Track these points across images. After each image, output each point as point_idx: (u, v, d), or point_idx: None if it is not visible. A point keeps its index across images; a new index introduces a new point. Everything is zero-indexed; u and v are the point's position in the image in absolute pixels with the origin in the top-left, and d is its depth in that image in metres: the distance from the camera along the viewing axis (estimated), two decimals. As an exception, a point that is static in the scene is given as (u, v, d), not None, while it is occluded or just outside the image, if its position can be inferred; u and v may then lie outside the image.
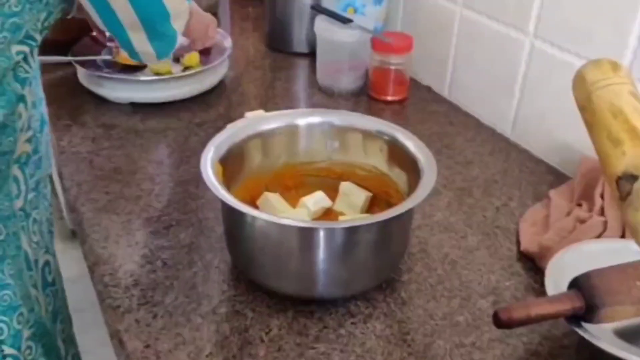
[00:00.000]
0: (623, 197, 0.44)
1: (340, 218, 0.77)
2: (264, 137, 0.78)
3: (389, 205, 0.74)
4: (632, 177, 0.43)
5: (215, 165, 0.70)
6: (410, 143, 0.75)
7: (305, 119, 0.80)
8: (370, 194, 0.80)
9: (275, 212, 0.75)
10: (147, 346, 0.63)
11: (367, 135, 0.79)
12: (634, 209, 0.43)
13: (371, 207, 0.80)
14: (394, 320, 0.68)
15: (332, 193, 0.80)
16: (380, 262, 0.70)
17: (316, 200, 0.79)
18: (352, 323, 0.68)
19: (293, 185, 0.82)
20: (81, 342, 0.92)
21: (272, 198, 0.77)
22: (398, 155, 0.76)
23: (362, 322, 0.68)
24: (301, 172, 0.82)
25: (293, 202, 0.80)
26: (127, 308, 0.68)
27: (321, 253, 0.66)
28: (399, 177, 0.77)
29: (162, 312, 0.67)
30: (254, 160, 0.78)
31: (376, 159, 0.79)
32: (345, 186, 0.80)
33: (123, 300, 0.69)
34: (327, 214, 0.79)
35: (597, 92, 0.48)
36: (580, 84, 0.49)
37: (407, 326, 0.68)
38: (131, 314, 0.67)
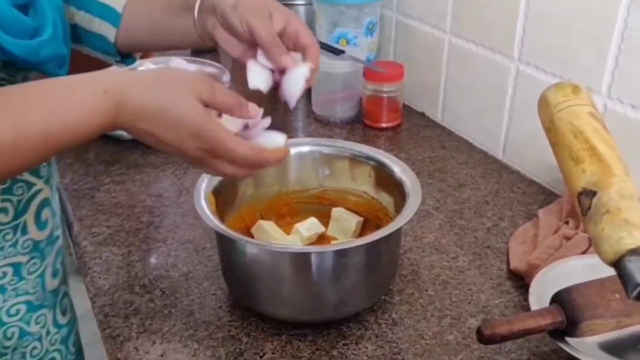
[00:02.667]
0: (584, 212, 0.46)
1: (333, 242, 0.80)
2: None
3: (379, 229, 0.76)
4: (591, 193, 0.46)
5: (208, 196, 0.73)
6: (396, 167, 0.78)
7: (296, 148, 0.83)
8: (361, 219, 0.82)
9: (270, 239, 0.77)
10: (146, 373, 0.66)
11: (356, 161, 0.81)
12: (593, 223, 0.45)
13: (363, 231, 0.82)
14: (385, 340, 0.70)
15: (325, 219, 0.83)
16: (371, 284, 0.72)
17: (309, 226, 0.81)
18: (344, 344, 0.70)
19: (287, 212, 0.85)
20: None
21: (266, 226, 0.80)
22: (385, 179, 0.79)
23: (354, 343, 0.70)
24: (294, 200, 0.85)
25: (287, 228, 0.82)
26: (127, 337, 0.70)
27: (312, 277, 0.68)
28: (387, 201, 0.79)
29: (160, 340, 0.70)
30: (247, 189, 0.81)
31: (365, 185, 0.82)
32: (337, 212, 0.83)
33: (123, 329, 0.71)
34: (321, 239, 0.82)
35: (558, 114, 0.50)
36: (544, 106, 0.52)
37: (398, 346, 0.70)
38: (130, 342, 0.69)
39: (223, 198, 0.76)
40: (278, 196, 0.84)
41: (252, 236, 0.80)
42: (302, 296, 0.70)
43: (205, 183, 0.74)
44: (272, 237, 0.78)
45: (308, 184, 0.84)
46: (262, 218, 0.82)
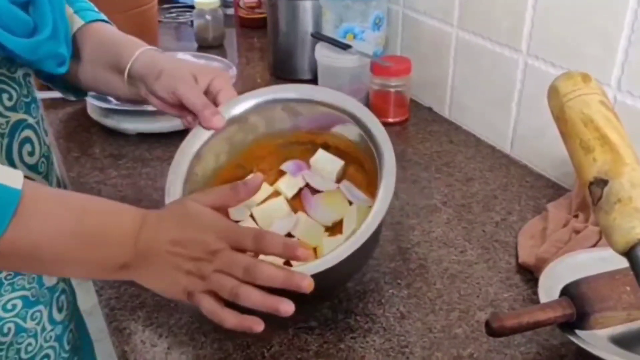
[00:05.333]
0: (595, 201, 0.45)
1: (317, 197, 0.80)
2: (222, 133, 0.77)
3: (363, 169, 0.77)
4: (602, 182, 0.45)
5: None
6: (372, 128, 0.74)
7: (255, 99, 0.78)
8: (342, 163, 0.80)
9: (251, 203, 0.77)
10: (152, 365, 0.66)
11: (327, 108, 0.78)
12: (604, 212, 0.44)
13: (347, 170, 0.81)
14: (392, 334, 0.70)
15: (307, 156, 0.82)
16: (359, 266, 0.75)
17: (290, 183, 0.81)
18: (351, 338, 0.69)
19: (267, 154, 0.82)
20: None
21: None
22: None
23: (362, 336, 0.69)
24: (272, 143, 0.82)
25: (270, 170, 0.82)
26: (134, 330, 0.70)
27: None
28: (364, 145, 0.76)
29: (166, 333, 0.70)
30: (221, 154, 0.79)
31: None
32: (316, 160, 0.81)
33: (129, 322, 0.71)
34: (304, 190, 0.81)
35: (568, 103, 0.49)
36: (553, 95, 0.51)
37: (406, 339, 0.69)
38: (137, 335, 0.69)
39: (200, 173, 0.75)
40: (255, 143, 0.81)
41: None
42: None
43: (177, 179, 0.73)
44: (253, 201, 0.77)
45: (283, 127, 0.81)
46: (244, 168, 0.80)
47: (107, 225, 0.59)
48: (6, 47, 0.60)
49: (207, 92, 0.75)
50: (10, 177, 0.53)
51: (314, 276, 0.58)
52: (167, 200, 0.70)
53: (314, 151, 0.82)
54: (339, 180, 0.81)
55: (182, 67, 0.75)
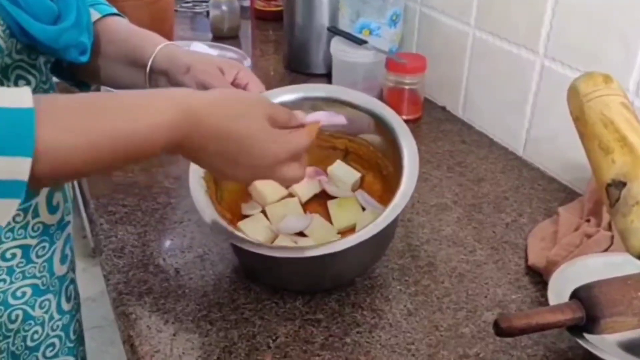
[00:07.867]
0: (612, 203, 0.45)
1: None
2: None
3: (382, 175, 0.78)
4: (620, 184, 0.45)
5: (202, 182, 0.72)
6: (397, 128, 0.76)
7: (285, 96, 0.80)
8: (359, 175, 0.82)
9: (265, 201, 0.79)
10: (157, 351, 0.65)
11: (354, 108, 0.79)
12: (622, 214, 0.44)
13: (364, 178, 0.83)
14: (399, 330, 0.69)
15: (328, 162, 0.83)
16: (369, 258, 0.75)
17: (306, 187, 0.82)
18: (357, 332, 0.69)
19: None
20: (101, 358, 0.94)
21: (259, 185, 0.79)
22: (383, 129, 0.77)
23: (368, 331, 0.69)
24: None
25: None
26: (140, 315, 0.70)
27: (309, 269, 0.71)
28: (386, 148, 0.78)
29: (173, 319, 0.69)
30: None
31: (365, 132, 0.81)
32: (334, 170, 0.82)
33: (135, 308, 0.71)
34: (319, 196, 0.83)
35: (589, 104, 0.49)
36: (573, 95, 0.51)
37: (412, 336, 0.69)
38: (143, 321, 0.69)
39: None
40: None
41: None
42: (299, 277, 0.73)
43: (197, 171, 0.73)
44: (267, 197, 0.79)
45: None
46: None
47: (144, 138, 0.51)
48: (30, 33, 0.59)
49: (234, 85, 0.75)
50: (16, 98, 0.45)
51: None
52: (192, 186, 0.72)
53: (334, 157, 0.83)
54: (354, 190, 0.82)
55: (208, 61, 0.75)
